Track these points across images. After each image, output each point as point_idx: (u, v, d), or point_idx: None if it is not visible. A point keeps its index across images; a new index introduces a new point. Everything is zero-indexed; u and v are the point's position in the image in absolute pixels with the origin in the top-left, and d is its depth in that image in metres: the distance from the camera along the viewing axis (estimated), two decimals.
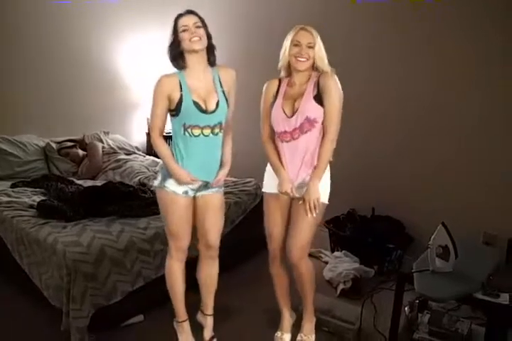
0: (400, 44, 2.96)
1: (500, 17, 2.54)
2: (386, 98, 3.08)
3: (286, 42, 1.98)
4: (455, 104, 2.79)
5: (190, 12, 1.92)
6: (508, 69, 2.56)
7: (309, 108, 1.96)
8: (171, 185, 1.99)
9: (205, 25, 1.92)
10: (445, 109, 2.84)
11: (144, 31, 4.27)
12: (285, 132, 2.00)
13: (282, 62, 2.03)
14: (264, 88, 2.10)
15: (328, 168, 2.06)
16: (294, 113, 1.99)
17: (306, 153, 2.01)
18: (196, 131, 1.92)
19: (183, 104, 1.89)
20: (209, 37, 1.94)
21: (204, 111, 1.91)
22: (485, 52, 2.63)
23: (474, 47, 2.66)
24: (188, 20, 1.88)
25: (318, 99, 1.96)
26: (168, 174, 1.99)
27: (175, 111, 1.91)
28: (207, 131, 1.94)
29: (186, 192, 2.01)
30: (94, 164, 3.61)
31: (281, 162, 2.05)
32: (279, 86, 2.06)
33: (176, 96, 1.89)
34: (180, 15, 1.91)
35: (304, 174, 2.03)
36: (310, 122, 1.96)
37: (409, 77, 2.96)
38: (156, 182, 2.06)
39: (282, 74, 2.07)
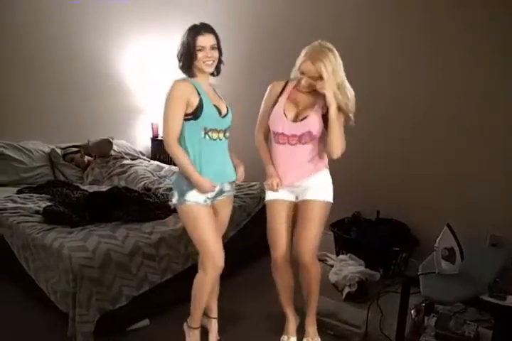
0: (401, 43, 2.95)
1: (500, 17, 2.54)
2: (388, 101, 3.08)
3: (301, 56, 1.94)
4: (455, 105, 2.79)
5: (208, 30, 1.89)
6: (510, 69, 2.56)
7: (315, 125, 1.99)
8: (192, 197, 1.95)
9: (219, 42, 1.93)
10: (447, 110, 2.83)
11: (148, 37, 4.30)
12: (283, 134, 2.02)
13: (294, 75, 2.03)
14: (269, 87, 2.12)
15: (327, 171, 2.12)
16: (296, 119, 2.01)
17: (303, 161, 2.04)
18: (215, 135, 1.96)
19: (204, 108, 1.90)
20: (220, 54, 1.96)
21: (221, 115, 1.97)
22: (485, 53, 2.62)
23: (474, 47, 2.66)
24: (206, 42, 1.88)
25: (326, 119, 1.96)
26: (186, 187, 1.95)
27: (193, 115, 1.90)
28: (221, 135, 1.99)
29: (206, 200, 2.00)
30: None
31: (273, 162, 2.09)
32: (284, 88, 2.08)
33: (195, 101, 1.89)
34: (199, 31, 1.87)
35: (300, 176, 2.05)
36: (311, 136, 2.00)
37: (410, 78, 2.95)
38: (174, 200, 1.99)
39: (292, 78, 2.07)
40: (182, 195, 1.96)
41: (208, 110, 1.92)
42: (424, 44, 2.85)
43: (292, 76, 2.05)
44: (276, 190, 2.08)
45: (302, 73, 1.94)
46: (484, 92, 2.67)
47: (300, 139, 2.00)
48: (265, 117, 2.11)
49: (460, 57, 2.73)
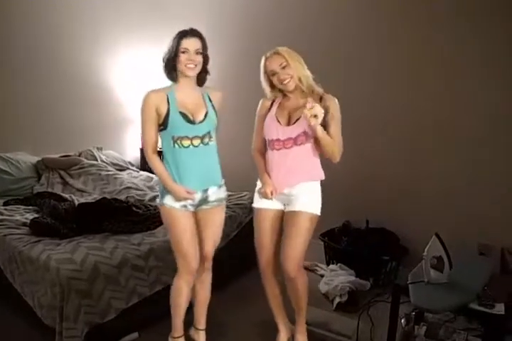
0: (406, 43, 2.95)
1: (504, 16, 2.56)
2: (381, 111, 3.10)
3: (262, 72, 2.04)
4: (446, 118, 2.82)
5: (195, 34, 1.91)
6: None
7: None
8: (168, 201, 1.99)
9: (205, 48, 1.94)
10: (438, 122, 2.86)
11: (138, 47, 4.31)
12: (278, 140, 2.04)
13: (269, 92, 2.09)
14: (259, 103, 2.17)
15: (319, 183, 2.11)
16: (289, 123, 2.04)
17: (296, 163, 2.03)
18: (186, 142, 1.94)
19: (170, 116, 1.91)
20: (206, 62, 1.97)
21: (191, 122, 1.94)
22: (489, 55, 2.62)
23: (479, 47, 2.64)
24: (191, 45, 1.89)
25: None
26: (165, 190, 1.99)
27: (163, 124, 1.93)
28: (197, 142, 1.96)
29: (185, 206, 2.01)
30: None
31: (267, 169, 2.10)
32: (273, 101, 2.13)
33: (164, 110, 1.92)
34: (185, 34, 1.89)
35: (292, 180, 2.05)
36: (306, 136, 2.00)
37: (404, 88, 2.98)
38: (157, 200, 2.08)
39: (276, 96, 2.12)
40: (162, 196, 2.01)
41: (173, 118, 1.91)
42: (426, 45, 2.84)
43: (269, 95, 2.11)
44: (271, 199, 2.09)
45: (273, 73, 2.00)
46: (481, 106, 2.68)
47: (296, 141, 2.01)
48: (259, 131, 2.14)
49: (464, 69, 2.73)
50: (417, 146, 2.98)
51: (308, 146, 2.03)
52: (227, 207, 2.94)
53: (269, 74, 2.02)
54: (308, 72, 2.03)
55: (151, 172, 4.00)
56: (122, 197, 3.19)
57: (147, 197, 3.25)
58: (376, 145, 3.15)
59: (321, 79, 2.07)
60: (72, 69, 3.93)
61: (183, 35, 1.90)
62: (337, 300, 2.69)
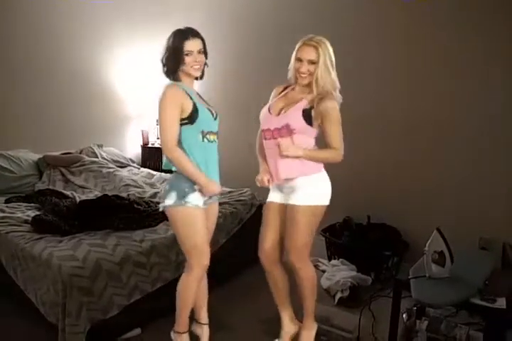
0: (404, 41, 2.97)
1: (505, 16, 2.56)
2: (383, 108, 3.10)
3: (293, 55, 2.02)
4: (446, 117, 2.82)
5: (195, 35, 1.93)
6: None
7: (294, 117, 1.99)
8: (194, 199, 1.94)
9: (205, 46, 1.97)
10: (438, 120, 2.86)
11: (138, 44, 4.30)
12: (268, 130, 2.05)
13: (291, 74, 2.08)
14: (273, 92, 2.18)
15: (321, 174, 2.08)
16: (280, 113, 2.05)
17: (283, 156, 2.00)
18: (212, 137, 1.99)
19: (199, 111, 1.92)
20: (205, 57, 1.99)
21: (214, 118, 2.02)
22: (492, 53, 2.62)
23: (482, 45, 2.64)
24: (194, 46, 1.91)
25: (307, 114, 1.98)
26: (188, 189, 1.94)
27: (188, 119, 1.91)
28: (216, 137, 2.03)
29: (205, 203, 2.01)
30: None
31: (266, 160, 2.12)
32: (284, 90, 2.14)
33: (188, 105, 1.91)
34: (186, 36, 1.90)
35: (289, 172, 2.03)
36: (288, 130, 1.98)
37: (408, 87, 2.99)
38: (169, 201, 1.95)
39: (292, 81, 2.11)
40: (183, 196, 1.94)
41: (203, 113, 1.94)
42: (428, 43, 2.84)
43: (289, 76, 2.09)
44: (268, 186, 2.11)
45: (300, 60, 1.98)
46: (483, 105, 2.69)
47: (280, 132, 2.00)
48: None
49: (465, 68, 2.72)
50: (417, 144, 2.97)
51: (296, 138, 1.99)
52: (228, 203, 2.96)
53: (295, 59, 1.99)
54: (332, 78, 1.98)
55: (152, 168, 4.02)
56: (123, 194, 3.19)
57: (148, 194, 3.25)
58: (377, 142, 3.15)
59: None
60: (72, 67, 3.92)
61: (184, 37, 1.90)
62: (339, 295, 2.70)
